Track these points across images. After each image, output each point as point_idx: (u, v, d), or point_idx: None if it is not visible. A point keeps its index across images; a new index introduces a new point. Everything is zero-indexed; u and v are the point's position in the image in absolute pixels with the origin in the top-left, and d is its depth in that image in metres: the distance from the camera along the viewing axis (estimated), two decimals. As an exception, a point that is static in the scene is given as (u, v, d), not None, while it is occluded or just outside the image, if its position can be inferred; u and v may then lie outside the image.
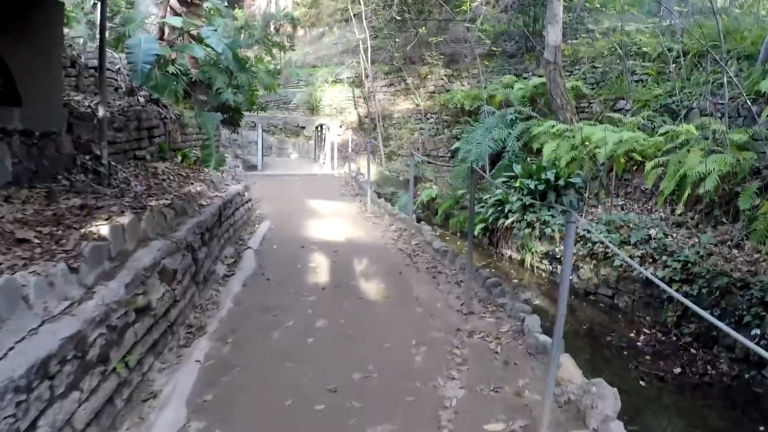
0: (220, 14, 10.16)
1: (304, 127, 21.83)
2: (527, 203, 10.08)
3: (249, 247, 6.81)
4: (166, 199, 5.48)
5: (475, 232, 11.37)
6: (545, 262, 9.51)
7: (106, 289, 3.42)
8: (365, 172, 16.70)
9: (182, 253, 4.79)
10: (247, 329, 4.47)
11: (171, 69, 10.50)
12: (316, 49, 27.93)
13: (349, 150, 12.92)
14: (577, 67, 15.40)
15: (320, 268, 6.13)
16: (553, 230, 9.34)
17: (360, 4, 18.24)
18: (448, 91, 19.12)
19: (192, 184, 6.63)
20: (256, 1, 29.18)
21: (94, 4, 9.83)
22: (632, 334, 6.76)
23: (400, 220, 8.74)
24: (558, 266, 9.11)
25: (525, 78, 16.20)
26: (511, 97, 14.43)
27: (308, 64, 26.31)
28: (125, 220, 4.22)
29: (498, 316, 4.86)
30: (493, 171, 12.42)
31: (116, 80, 9.20)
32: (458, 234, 12.51)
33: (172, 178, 6.77)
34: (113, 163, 6.24)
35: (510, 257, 10.41)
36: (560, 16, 13.20)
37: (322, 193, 11.05)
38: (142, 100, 8.36)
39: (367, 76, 20.05)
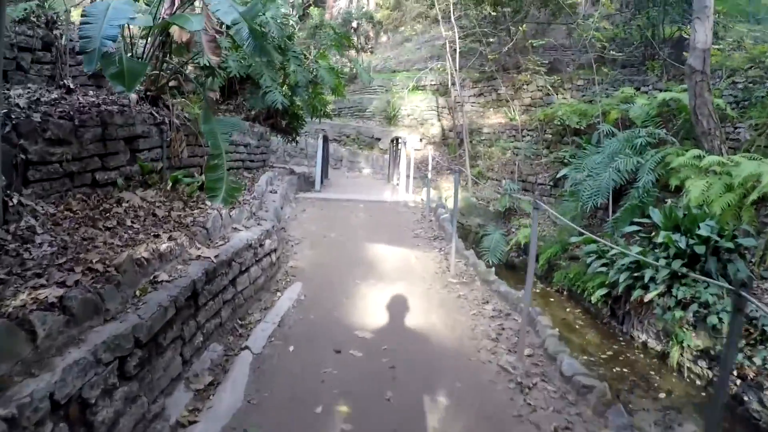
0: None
1: (379, 139, 19.21)
2: (675, 271, 7.01)
3: (247, 347, 4.05)
4: (64, 285, 2.83)
5: (593, 299, 8.27)
6: (702, 363, 6.36)
7: None
8: (447, 200, 13.78)
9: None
10: None
11: (202, 61, 8.08)
12: (398, 53, 25.38)
13: (429, 171, 10.03)
14: (711, 82, 11.99)
15: (358, 422, 3.27)
16: (720, 318, 6.23)
17: (449, -2, 15.39)
18: (548, 104, 16.00)
19: (157, 237, 3.96)
20: (338, 3, 26.88)
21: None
22: None
23: (499, 295, 5.72)
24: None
25: (644, 92, 12.81)
26: (632, 115, 11.19)
27: (389, 69, 23.75)
28: None
29: None
30: (618, 213, 9.23)
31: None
32: (565, 294, 9.38)
33: (131, 222, 4.14)
34: (23, 202, 3.67)
35: (645, 345, 7.25)
36: (712, 9, 9.87)
37: (389, 233, 8.19)
38: (134, 96, 5.86)
39: (453, 84, 17.16)
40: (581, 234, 9.38)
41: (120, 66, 4.32)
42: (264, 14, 9.63)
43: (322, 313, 4.88)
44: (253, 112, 10.54)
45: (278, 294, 5.28)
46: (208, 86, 9.21)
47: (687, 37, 13.97)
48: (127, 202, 4.63)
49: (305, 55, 11.20)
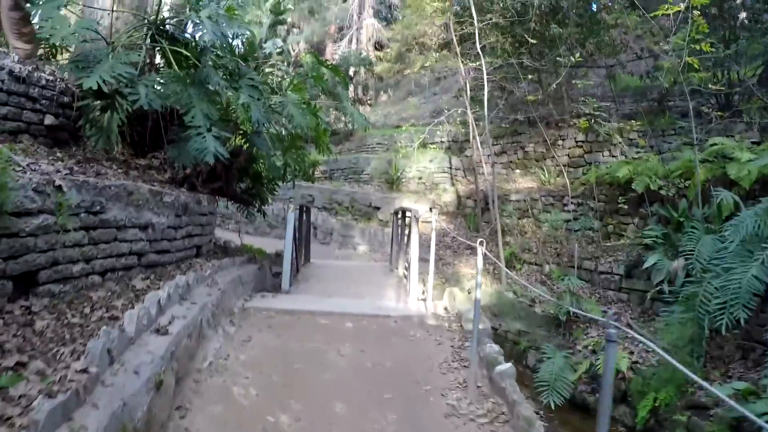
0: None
1: (378, 208, 15.47)
2: None
3: None
4: None
5: None
6: None
7: None
8: (471, 295, 9.77)
9: None
10: None
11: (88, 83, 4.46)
12: (400, 109, 22.03)
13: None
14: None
15: None
16: None
17: (474, 22, 11.79)
18: (590, 164, 12.43)
19: None
20: (338, 51, 23.68)
21: None
22: None
23: None
24: None
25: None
26: (734, 175, 7.59)
27: (390, 125, 20.30)
28: None
29: None
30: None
31: None
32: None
33: None
34: None
35: None
36: None
37: (399, 407, 3.98)
38: None
39: (475, 138, 13.50)
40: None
41: None
42: (197, 10, 6.06)
43: None
44: (187, 171, 6.76)
45: None
46: (103, 125, 5.52)
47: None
48: None
49: (270, 87, 7.52)
